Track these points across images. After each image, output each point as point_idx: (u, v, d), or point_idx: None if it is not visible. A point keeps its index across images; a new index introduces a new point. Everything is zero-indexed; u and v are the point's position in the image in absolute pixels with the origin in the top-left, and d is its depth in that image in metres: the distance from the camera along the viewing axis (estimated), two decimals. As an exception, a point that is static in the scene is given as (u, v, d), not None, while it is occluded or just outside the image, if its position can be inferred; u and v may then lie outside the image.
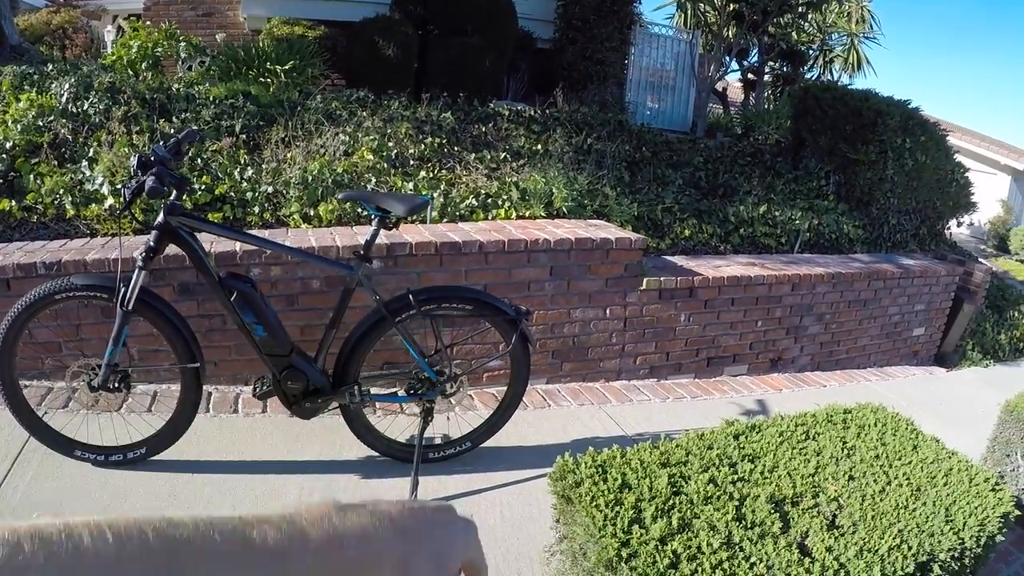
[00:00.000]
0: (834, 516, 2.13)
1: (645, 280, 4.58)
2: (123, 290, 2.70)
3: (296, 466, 3.17)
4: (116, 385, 2.84)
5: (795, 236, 6.33)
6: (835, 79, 12.24)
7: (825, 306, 5.56)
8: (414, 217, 4.61)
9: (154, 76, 5.91)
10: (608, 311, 4.56)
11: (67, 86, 4.94)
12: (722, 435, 2.40)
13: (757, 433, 2.45)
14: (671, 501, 1.98)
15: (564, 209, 5.03)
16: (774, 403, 4.71)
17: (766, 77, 12.41)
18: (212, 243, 3.65)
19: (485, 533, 2.64)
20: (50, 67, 5.36)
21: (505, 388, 3.40)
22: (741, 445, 2.34)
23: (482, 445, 3.42)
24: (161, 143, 2.99)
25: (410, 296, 2.97)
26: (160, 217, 2.68)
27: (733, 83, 14.92)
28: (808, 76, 12.65)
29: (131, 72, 6.04)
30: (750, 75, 12.31)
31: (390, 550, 0.61)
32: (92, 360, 2.87)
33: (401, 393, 3.22)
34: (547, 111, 6.86)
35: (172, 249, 2.79)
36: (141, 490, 2.87)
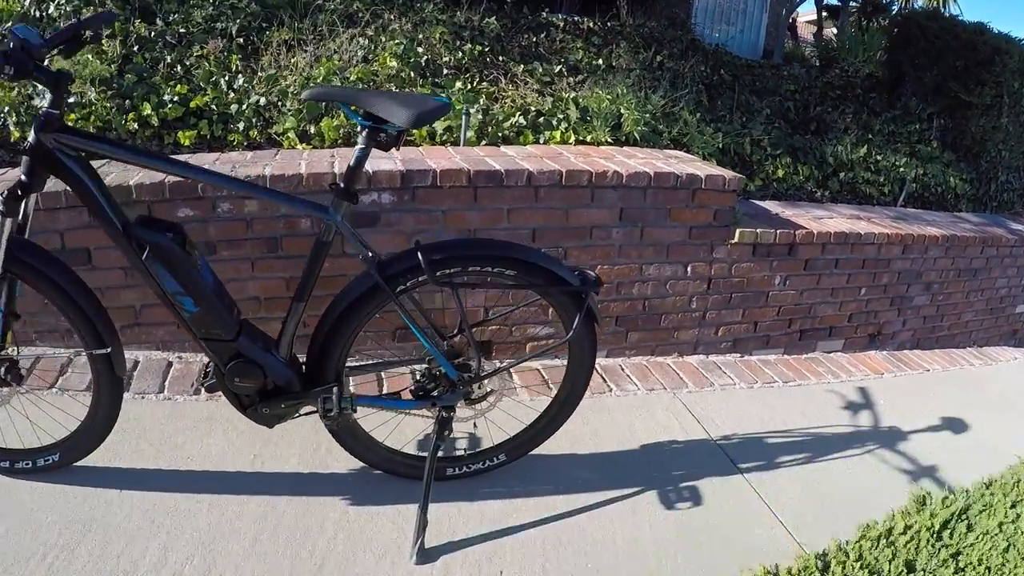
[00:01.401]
0: None
1: (737, 231, 3.57)
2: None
3: (262, 481, 2.26)
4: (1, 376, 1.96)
5: (900, 186, 5.27)
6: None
7: (935, 274, 4.55)
8: (444, 139, 3.63)
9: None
10: (690, 268, 3.57)
11: (33, -13, 4.01)
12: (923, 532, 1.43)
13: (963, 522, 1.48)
14: None
15: (636, 135, 3.99)
16: (877, 391, 3.76)
17: (850, 4, 11.16)
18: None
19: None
20: (16, -33, 4.41)
21: (558, 368, 2.50)
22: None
23: (521, 452, 2.48)
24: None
25: (419, 254, 1.92)
26: (31, 137, 1.73)
27: (801, 20, 13.77)
28: (891, 8, 11.40)
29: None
30: (833, -1, 11.14)
31: None
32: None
33: (406, 395, 2.20)
34: (608, 23, 5.77)
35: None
36: (49, 513, 2.01)
